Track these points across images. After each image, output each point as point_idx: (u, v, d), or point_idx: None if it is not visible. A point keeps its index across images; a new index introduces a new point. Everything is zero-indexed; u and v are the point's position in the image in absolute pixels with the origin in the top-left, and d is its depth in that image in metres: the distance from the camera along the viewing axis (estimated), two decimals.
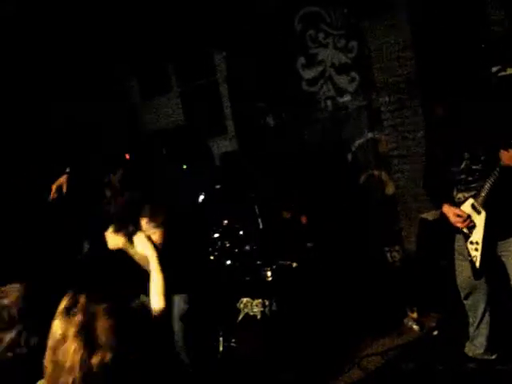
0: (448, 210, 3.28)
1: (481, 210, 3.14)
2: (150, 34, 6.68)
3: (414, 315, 4.55)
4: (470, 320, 3.53)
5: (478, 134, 3.12)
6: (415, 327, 4.39)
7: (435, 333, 4.26)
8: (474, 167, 3.16)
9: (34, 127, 6.23)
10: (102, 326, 1.22)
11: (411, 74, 4.80)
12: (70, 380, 1.20)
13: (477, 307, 3.44)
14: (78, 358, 1.20)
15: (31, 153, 6.02)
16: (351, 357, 4.14)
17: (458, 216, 3.22)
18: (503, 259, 3.23)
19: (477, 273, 3.25)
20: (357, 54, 5.40)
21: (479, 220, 3.16)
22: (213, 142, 6.93)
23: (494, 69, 3.79)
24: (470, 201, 3.19)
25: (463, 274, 3.41)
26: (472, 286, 3.39)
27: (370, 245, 5.46)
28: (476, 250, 3.20)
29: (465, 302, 3.51)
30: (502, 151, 2.95)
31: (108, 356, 1.19)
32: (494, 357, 3.50)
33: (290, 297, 4.39)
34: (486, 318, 3.44)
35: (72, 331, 1.22)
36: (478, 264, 3.21)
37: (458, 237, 3.36)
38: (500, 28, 4.13)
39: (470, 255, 3.25)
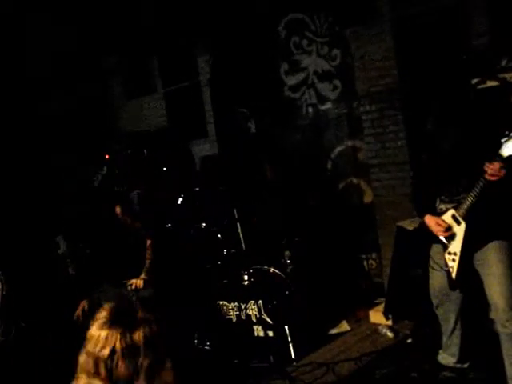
0: (429, 219, 3.30)
1: (461, 221, 3.15)
2: (136, 33, 6.66)
3: (389, 322, 4.58)
4: (443, 329, 3.55)
5: (462, 146, 3.14)
6: (389, 334, 4.41)
7: (409, 340, 4.28)
8: (459, 179, 3.17)
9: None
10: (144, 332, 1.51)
11: (393, 84, 4.84)
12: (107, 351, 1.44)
13: (448, 318, 3.47)
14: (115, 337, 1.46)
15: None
16: (325, 362, 4.14)
17: (439, 225, 3.24)
18: (478, 268, 3.24)
19: (452, 283, 3.27)
20: (340, 62, 5.44)
21: (459, 231, 3.18)
22: (193, 145, 6.91)
23: (474, 81, 3.85)
24: (451, 211, 3.21)
25: (435, 283, 3.43)
26: (443, 296, 3.41)
27: (347, 252, 5.48)
28: (453, 260, 3.21)
29: (436, 311, 3.54)
30: (486, 165, 2.96)
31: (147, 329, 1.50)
32: (466, 365, 3.52)
33: (266, 300, 4.37)
34: (458, 328, 3.47)
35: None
36: (454, 275, 3.22)
37: (435, 246, 3.38)
38: (482, 40, 4.18)
39: (447, 265, 3.26)
